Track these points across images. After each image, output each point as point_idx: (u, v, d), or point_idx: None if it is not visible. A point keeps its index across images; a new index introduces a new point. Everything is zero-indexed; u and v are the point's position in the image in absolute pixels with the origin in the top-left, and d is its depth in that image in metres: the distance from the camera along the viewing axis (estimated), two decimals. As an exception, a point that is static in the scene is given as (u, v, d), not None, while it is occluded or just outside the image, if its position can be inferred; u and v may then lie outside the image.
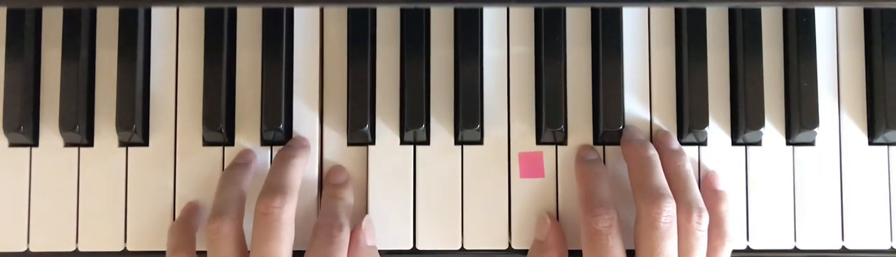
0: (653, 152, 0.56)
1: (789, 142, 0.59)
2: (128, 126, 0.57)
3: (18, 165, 0.58)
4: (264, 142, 0.59)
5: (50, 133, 0.58)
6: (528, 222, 0.58)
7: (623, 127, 0.58)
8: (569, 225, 0.58)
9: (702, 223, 0.54)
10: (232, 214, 0.53)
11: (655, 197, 0.54)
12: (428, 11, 0.59)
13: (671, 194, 0.54)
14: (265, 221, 0.52)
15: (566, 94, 0.58)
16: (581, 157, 0.58)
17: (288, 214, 0.53)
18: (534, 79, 0.59)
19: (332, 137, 0.58)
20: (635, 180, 0.56)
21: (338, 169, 0.58)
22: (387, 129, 0.58)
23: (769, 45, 0.59)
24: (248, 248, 0.54)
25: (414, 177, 0.58)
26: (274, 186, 0.54)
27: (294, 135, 0.58)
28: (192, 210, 0.57)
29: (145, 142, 0.58)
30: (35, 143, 0.58)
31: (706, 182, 0.58)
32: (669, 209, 0.53)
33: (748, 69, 0.58)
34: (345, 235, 0.54)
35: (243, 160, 0.57)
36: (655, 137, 0.58)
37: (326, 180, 0.58)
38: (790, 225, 0.58)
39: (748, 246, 0.58)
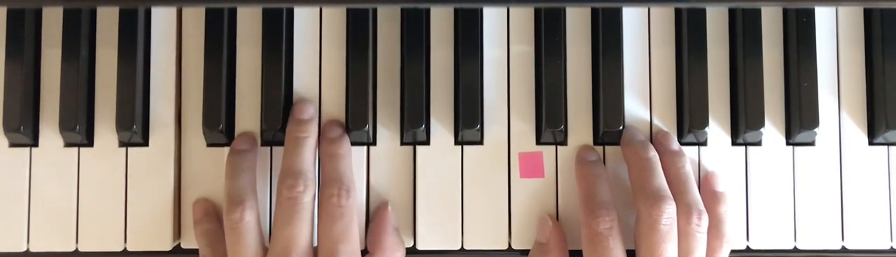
0: (653, 154, 0.56)
1: (789, 142, 0.59)
2: (128, 126, 0.57)
3: (18, 165, 0.58)
4: (264, 143, 0.58)
5: (50, 133, 0.58)
6: (529, 222, 0.58)
7: (623, 127, 0.57)
8: (569, 225, 0.58)
9: (701, 225, 0.54)
10: (250, 202, 0.54)
11: (656, 199, 0.54)
12: (428, 11, 0.59)
13: (671, 196, 0.54)
14: (289, 205, 0.53)
15: (566, 94, 0.58)
16: (581, 158, 0.58)
17: (310, 197, 0.54)
18: (534, 79, 0.59)
19: (332, 137, 0.58)
20: (635, 182, 0.56)
21: (333, 123, 0.58)
22: (387, 129, 0.58)
23: (769, 45, 0.59)
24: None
25: (414, 177, 0.58)
26: (294, 170, 0.55)
27: (294, 103, 0.58)
28: (209, 207, 0.57)
29: (145, 142, 0.58)
30: (35, 143, 0.58)
31: (705, 183, 0.58)
32: (670, 211, 0.53)
33: (748, 69, 0.58)
34: (353, 203, 0.54)
35: (245, 145, 0.57)
36: (655, 138, 0.58)
37: (322, 135, 0.57)
38: (790, 225, 0.58)
39: (748, 246, 0.58)
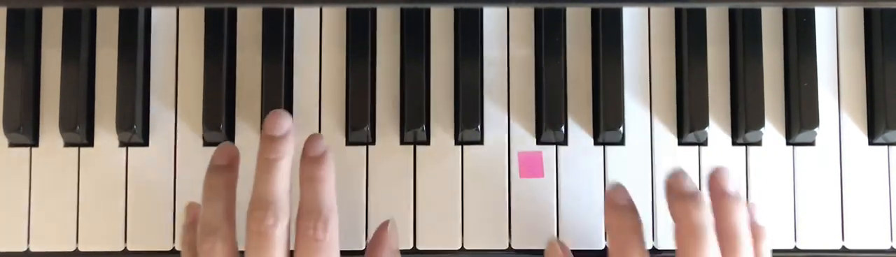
0: (709, 218, 0.48)
1: (789, 142, 0.59)
2: (128, 126, 0.57)
3: (18, 165, 0.58)
4: (264, 142, 0.58)
5: (50, 133, 0.58)
6: (529, 222, 0.58)
7: (623, 128, 0.57)
8: (568, 225, 0.58)
9: None
10: (223, 231, 0.49)
11: None
12: (428, 11, 0.59)
13: None
14: (259, 240, 0.48)
15: (566, 94, 0.58)
16: (610, 202, 0.51)
17: (281, 230, 0.48)
18: (534, 79, 0.59)
19: (332, 137, 0.58)
20: (682, 249, 0.48)
21: (315, 138, 0.51)
22: (387, 129, 0.58)
23: (769, 45, 0.59)
24: None
25: (414, 177, 0.58)
26: (263, 200, 0.48)
27: (267, 119, 0.51)
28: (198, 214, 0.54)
29: (145, 142, 0.58)
30: (35, 143, 0.58)
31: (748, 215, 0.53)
32: None
33: (748, 69, 0.58)
34: (332, 235, 0.48)
35: (224, 160, 0.52)
36: (709, 176, 0.52)
37: (303, 153, 0.51)
38: (790, 225, 0.58)
39: (748, 246, 0.58)
